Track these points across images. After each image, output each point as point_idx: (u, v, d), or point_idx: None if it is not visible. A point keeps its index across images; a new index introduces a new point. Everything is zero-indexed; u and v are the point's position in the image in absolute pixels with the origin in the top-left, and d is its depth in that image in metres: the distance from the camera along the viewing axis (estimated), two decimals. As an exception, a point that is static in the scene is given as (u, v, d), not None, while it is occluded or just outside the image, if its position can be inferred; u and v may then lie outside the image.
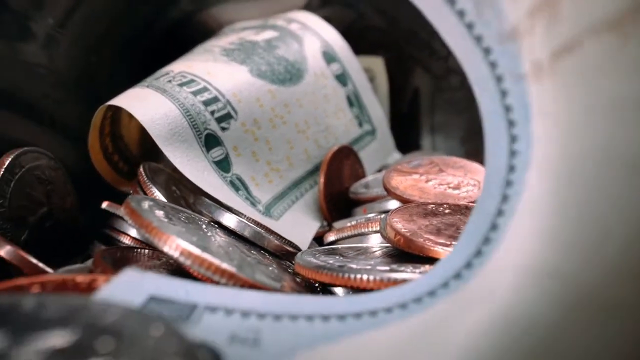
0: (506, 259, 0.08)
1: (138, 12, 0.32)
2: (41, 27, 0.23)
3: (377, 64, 0.34)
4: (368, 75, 0.34)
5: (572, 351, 0.07)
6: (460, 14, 0.09)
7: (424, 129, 0.35)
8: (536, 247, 0.08)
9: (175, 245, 0.11)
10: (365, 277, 0.11)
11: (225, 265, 0.11)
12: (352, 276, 0.11)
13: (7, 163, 0.17)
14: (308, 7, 0.34)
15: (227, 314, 0.08)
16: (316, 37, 0.29)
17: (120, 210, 0.15)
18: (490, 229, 0.09)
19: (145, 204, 0.13)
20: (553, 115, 0.08)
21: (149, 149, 0.27)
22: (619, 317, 0.07)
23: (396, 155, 0.31)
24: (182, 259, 0.11)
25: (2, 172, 0.16)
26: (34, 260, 0.14)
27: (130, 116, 0.19)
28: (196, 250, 0.11)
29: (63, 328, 0.06)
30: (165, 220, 0.13)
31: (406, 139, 0.35)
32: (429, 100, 0.34)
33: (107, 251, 0.16)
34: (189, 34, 0.36)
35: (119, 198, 0.19)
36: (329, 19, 0.30)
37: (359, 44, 0.32)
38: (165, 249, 0.11)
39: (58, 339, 0.06)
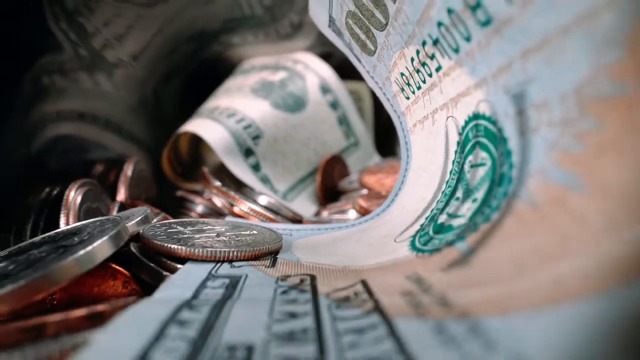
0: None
1: (182, 51, 0.46)
2: (113, 61, 0.35)
3: (364, 87, 0.48)
4: (356, 96, 0.48)
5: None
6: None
7: (398, 139, 0.50)
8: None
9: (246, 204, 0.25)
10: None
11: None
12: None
13: (132, 166, 0.31)
14: (310, 48, 0.47)
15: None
16: (315, 74, 0.43)
17: (190, 196, 0.29)
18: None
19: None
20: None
21: (193, 157, 0.42)
22: None
23: (376, 158, 0.45)
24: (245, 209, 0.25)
25: (131, 171, 0.30)
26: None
27: (184, 134, 0.33)
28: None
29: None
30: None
31: (385, 145, 0.49)
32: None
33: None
34: (217, 66, 0.50)
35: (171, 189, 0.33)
36: (329, 54, 0.44)
37: (352, 72, 0.46)
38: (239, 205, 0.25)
39: None
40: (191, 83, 0.49)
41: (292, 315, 0.10)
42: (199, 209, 0.33)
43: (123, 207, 0.26)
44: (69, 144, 0.32)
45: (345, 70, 0.45)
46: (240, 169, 0.32)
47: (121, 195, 0.30)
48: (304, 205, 0.35)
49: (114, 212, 0.25)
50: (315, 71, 0.43)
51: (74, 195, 0.24)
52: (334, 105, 0.42)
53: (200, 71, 0.49)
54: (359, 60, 0.25)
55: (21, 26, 0.28)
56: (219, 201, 0.31)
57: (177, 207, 0.34)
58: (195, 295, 0.12)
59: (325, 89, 0.42)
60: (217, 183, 0.31)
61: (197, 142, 0.42)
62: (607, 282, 0.06)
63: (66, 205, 0.23)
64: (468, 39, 0.13)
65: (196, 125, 0.34)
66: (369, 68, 0.25)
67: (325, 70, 0.43)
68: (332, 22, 0.26)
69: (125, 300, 0.14)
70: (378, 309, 0.09)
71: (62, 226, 0.23)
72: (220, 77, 0.48)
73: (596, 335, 0.06)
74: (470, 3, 0.12)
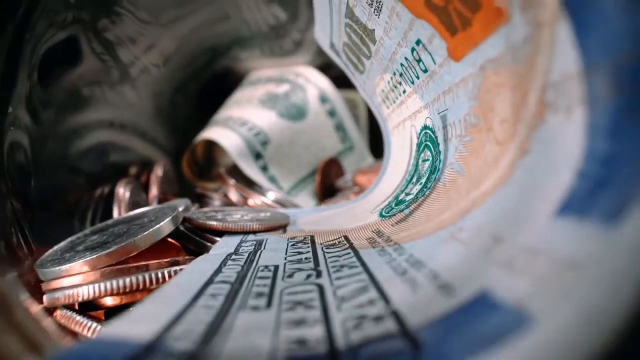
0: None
1: (196, 64, 0.53)
2: (136, 74, 0.43)
3: (359, 96, 0.55)
4: (352, 104, 0.55)
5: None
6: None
7: (389, 143, 0.56)
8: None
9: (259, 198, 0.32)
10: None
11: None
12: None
13: (161, 168, 0.38)
14: (310, 62, 0.55)
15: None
16: (314, 86, 0.50)
17: (210, 192, 0.37)
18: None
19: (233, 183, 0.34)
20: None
21: (208, 159, 0.49)
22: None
23: (369, 160, 0.52)
24: (258, 202, 0.32)
25: (161, 172, 0.37)
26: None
27: (201, 140, 0.40)
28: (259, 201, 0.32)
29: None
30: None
31: (380, 147, 0.56)
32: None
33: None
34: (227, 78, 0.57)
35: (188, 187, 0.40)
36: (328, 66, 0.51)
37: (348, 82, 0.53)
38: (253, 199, 0.32)
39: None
40: (204, 93, 0.57)
41: (299, 253, 0.17)
42: (216, 203, 0.40)
43: (159, 201, 0.34)
44: (107, 148, 0.39)
45: (342, 80, 0.52)
46: (251, 170, 0.40)
47: (154, 192, 0.37)
48: (305, 200, 0.42)
49: (155, 204, 0.32)
50: (314, 83, 0.50)
51: (122, 191, 0.31)
52: (332, 113, 0.50)
53: (212, 82, 0.56)
54: (353, 75, 0.32)
55: (61, 47, 0.35)
56: (234, 196, 0.38)
57: (197, 202, 0.41)
58: (236, 250, 0.19)
59: (323, 99, 0.49)
60: (232, 181, 0.38)
61: (211, 146, 0.49)
62: (462, 215, 0.13)
63: (117, 199, 0.30)
64: (418, 77, 0.21)
65: (214, 133, 0.41)
66: (361, 83, 0.33)
67: (323, 82, 0.50)
68: (332, 45, 0.33)
69: (184, 259, 0.21)
70: (352, 247, 0.16)
71: (115, 215, 0.30)
72: (229, 87, 0.55)
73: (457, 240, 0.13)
74: (416, 57, 0.19)
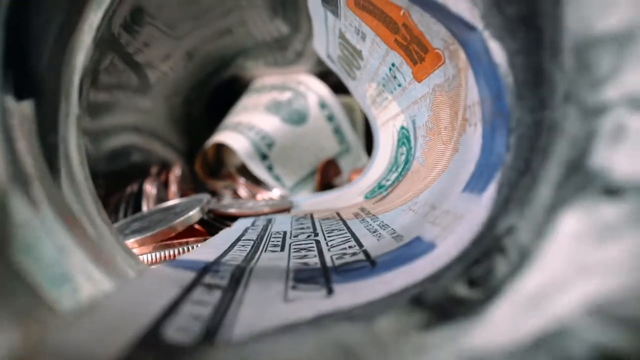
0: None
1: (205, 72, 0.59)
2: (153, 82, 0.49)
3: (355, 100, 0.61)
4: (349, 108, 0.61)
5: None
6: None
7: (384, 145, 0.62)
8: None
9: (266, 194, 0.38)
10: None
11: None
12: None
13: (179, 167, 0.44)
14: (310, 70, 0.61)
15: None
16: (314, 93, 0.56)
17: (222, 190, 0.43)
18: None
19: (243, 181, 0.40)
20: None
21: (217, 160, 0.55)
22: None
23: (364, 160, 0.58)
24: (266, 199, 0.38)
25: (181, 171, 0.43)
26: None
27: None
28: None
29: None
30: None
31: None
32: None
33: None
34: (233, 85, 0.63)
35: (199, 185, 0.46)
36: (326, 74, 0.57)
37: (345, 88, 0.59)
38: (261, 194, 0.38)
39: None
40: (213, 99, 0.63)
41: (301, 224, 0.23)
42: (226, 198, 0.46)
43: (180, 197, 0.40)
44: (131, 150, 0.46)
45: (340, 87, 0.58)
46: (259, 169, 0.46)
47: (173, 189, 0.43)
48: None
49: (177, 200, 0.38)
50: (314, 90, 0.56)
51: (150, 188, 0.37)
52: (330, 118, 0.56)
53: (219, 89, 0.63)
54: (347, 80, 0.38)
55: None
56: (243, 192, 0.44)
57: (209, 199, 0.47)
58: (253, 224, 0.25)
59: (323, 105, 0.56)
60: (242, 179, 0.45)
61: (220, 148, 0.55)
62: (418, 194, 0.20)
63: (146, 195, 0.37)
64: (395, 89, 0.27)
65: (225, 137, 0.47)
66: (353, 87, 0.39)
67: (323, 90, 0.57)
68: (329, 56, 0.39)
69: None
70: (341, 219, 0.23)
71: (144, 209, 0.36)
72: (236, 93, 0.61)
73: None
74: (392, 75, 0.26)
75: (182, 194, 0.42)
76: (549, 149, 0.11)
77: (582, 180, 0.10)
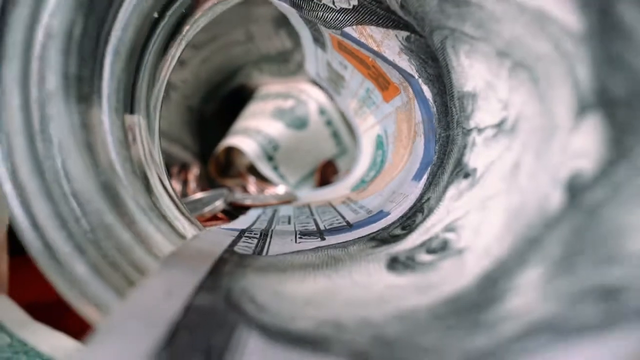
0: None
1: (215, 80, 0.67)
2: (172, 87, 0.58)
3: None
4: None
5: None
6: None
7: (377, 147, 0.71)
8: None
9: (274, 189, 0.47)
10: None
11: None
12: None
13: (197, 168, 0.52)
14: (311, 79, 0.69)
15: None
16: (315, 101, 0.64)
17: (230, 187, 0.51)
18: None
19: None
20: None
21: (227, 160, 0.64)
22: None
23: (359, 163, 0.66)
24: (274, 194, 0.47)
25: (198, 172, 0.52)
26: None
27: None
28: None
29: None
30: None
31: (369, 153, 0.70)
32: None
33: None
34: (241, 92, 0.72)
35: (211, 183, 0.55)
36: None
37: None
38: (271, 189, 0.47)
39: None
40: (223, 105, 0.71)
41: (301, 211, 0.31)
42: (237, 194, 0.54)
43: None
44: (155, 154, 0.54)
45: (338, 94, 0.66)
46: (266, 169, 0.54)
47: (192, 186, 0.51)
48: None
49: (200, 194, 0.47)
50: (315, 98, 0.65)
51: (175, 185, 0.46)
52: (329, 123, 0.64)
53: (229, 96, 0.71)
54: (333, 94, 0.47)
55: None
56: (252, 189, 0.52)
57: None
58: (263, 212, 0.34)
59: (322, 111, 0.64)
60: (252, 178, 0.53)
61: (229, 150, 0.64)
62: (386, 184, 0.28)
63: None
64: (371, 106, 0.35)
65: (236, 140, 0.56)
66: (340, 101, 0.47)
67: (322, 97, 0.65)
68: (317, 74, 0.48)
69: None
70: (332, 205, 0.31)
71: (172, 200, 0.45)
72: (243, 100, 0.70)
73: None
74: (369, 96, 0.34)
75: (201, 190, 0.50)
76: (450, 153, 0.19)
77: (460, 170, 0.18)
